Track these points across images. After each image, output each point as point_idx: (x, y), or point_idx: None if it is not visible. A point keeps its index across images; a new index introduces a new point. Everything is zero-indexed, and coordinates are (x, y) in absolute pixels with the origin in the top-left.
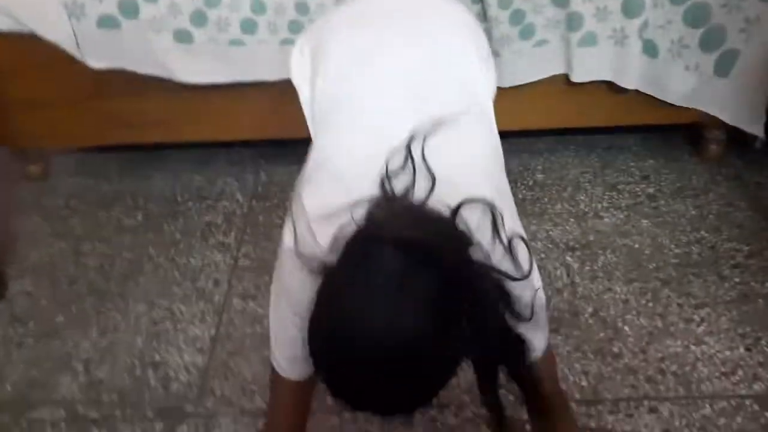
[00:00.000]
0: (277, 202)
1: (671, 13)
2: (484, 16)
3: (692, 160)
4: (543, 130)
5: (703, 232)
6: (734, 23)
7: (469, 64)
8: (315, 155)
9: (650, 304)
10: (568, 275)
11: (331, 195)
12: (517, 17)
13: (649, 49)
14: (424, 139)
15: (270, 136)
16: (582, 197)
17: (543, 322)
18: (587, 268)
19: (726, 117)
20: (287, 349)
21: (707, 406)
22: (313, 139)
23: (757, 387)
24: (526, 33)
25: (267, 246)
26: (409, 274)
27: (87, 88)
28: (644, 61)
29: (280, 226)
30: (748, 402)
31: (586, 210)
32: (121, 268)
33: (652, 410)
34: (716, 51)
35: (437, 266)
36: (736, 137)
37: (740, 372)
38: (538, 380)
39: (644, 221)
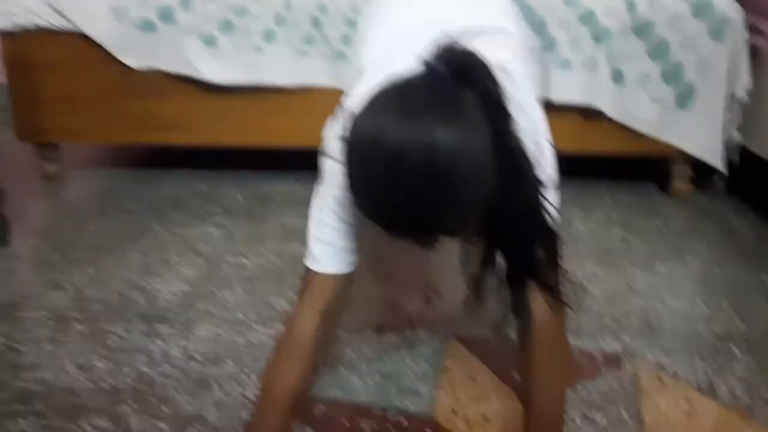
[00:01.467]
0: (279, 201)
1: (635, 44)
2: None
3: (660, 196)
4: None
5: (669, 238)
6: (691, 60)
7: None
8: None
9: (617, 276)
10: None
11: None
12: None
13: (617, 77)
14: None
15: (277, 144)
16: None
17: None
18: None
19: (688, 148)
20: (323, 235)
21: (667, 337)
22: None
23: (716, 327)
24: None
25: (263, 227)
26: (451, 87)
27: (116, 88)
28: (613, 88)
29: (277, 216)
30: (707, 337)
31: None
32: (121, 233)
33: (615, 337)
34: (676, 84)
35: (481, 86)
36: (701, 173)
37: (700, 319)
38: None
39: (615, 230)
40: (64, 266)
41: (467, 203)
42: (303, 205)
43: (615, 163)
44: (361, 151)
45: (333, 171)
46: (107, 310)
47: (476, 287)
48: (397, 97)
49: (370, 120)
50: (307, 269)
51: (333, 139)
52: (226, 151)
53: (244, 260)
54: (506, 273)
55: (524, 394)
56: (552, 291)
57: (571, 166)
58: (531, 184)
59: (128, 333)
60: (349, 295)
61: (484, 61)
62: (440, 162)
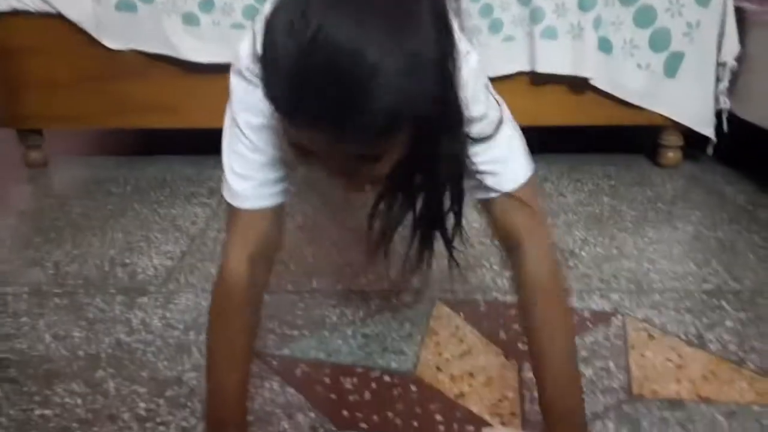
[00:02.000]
0: None
1: (622, 12)
2: (457, 11)
3: (651, 166)
4: None
5: (659, 204)
6: (678, 27)
7: None
8: None
9: (606, 240)
10: None
11: None
12: (486, 11)
13: (604, 45)
14: None
15: None
16: (548, 185)
17: (516, 149)
18: (549, 221)
19: (677, 117)
20: (241, 167)
21: (657, 295)
22: None
23: (707, 285)
24: (495, 27)
25: None
26: None
27: (97, 71)
28: (600, 57)
29: None
30: (697, 295)
31: (551, 192)
32: (103, 214)
33: (603, 296)
34: (664, 52)
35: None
36: (691, 143)
37: (690, 278)
38: (519, 242)
39: (605, 198)
40: (44, 245)
41: (392, 112)
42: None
43: (605, 137)
44: (281, 29)
45: (244, 93)
46: (87, 285)
47: (382, 239)
48: None
49: (297, 1)
50: (230, 206)
51: (246, 56)
52: (211, 134)
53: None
54: (415, 222)
55: (534, 362)
56: (449, 245)
57: (561, 140)
58: (459, 125)
59: (107, 305)
60: (283, 231)
61: None
62: (372, 54)
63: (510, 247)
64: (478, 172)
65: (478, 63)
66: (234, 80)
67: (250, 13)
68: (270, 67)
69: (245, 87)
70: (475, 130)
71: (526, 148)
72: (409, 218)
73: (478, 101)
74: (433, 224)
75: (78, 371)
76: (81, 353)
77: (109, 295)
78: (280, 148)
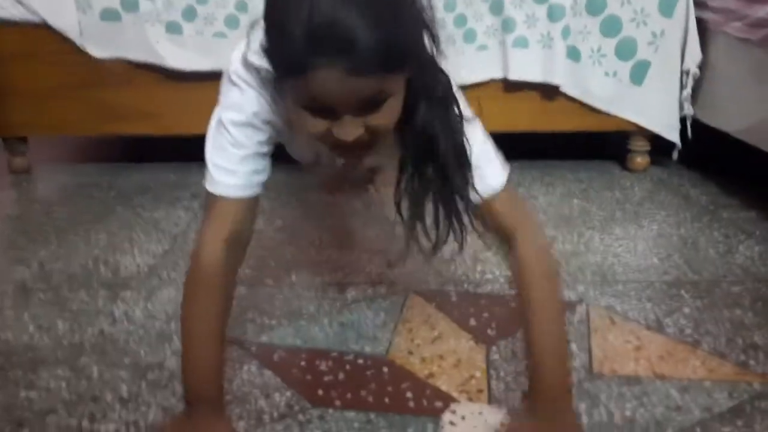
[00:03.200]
0: None
1: (589, 22)
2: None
3: (620, 171)
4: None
5: (627, 205)
6: (643, 36)
7: None
8: None
9: (574, 238)
10: None
11: None
12: (460, 21)
13: (573, 53)
14: None
15: None
16: (520, 189)
17: (491, 152)
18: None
19: (644, 123)
20: (222, 160)
21: (620, 285)
22: None
23: (667, 277)
24: (469, 37)
25: None
26: None
27: (82, 79)
28: (569, 65)
29: None
30: (658, 285)
31: (523, 196)
32: (87, 217)
33: (569, 287)
34: (630, 60)
35: None
36: (659, 149)
37: (652, 270)
38: (511, 234)
39: (575, 201)
40: (28, 246)
41: (394, 44)
42: (271, 189)
43: (576, 144)
44: None
45: (230, 94)
46: (71, 281)
47: (412, 220)
48: None
49: None
50: (208, 194)
51: (236, 61)
52: (195, 141)
53: None
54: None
55: (528, 337)
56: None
57: (533, 148)
58: (451, 102)
59: (91, 299)
60: (254, 222)
61: None
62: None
63: (503, 239)
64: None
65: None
66: (223, 83)
67: (233, 22)
68: (279, 27)
69: (232, 89)
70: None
71: (498, 154)
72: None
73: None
74: (450, 195)
75: (62, 358)
76: (65, 342)
77: (92, 289)
78: (263, 143)
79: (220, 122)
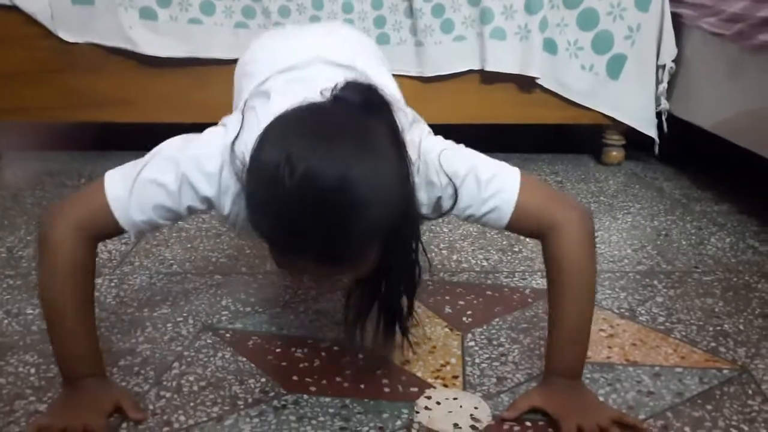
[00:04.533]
0: None
1: (566, 15)
2: (410, 11)
3: (595, 165)
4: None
5: (602, 198)
6: (619, 30)
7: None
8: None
9: None
10: None
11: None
12: (437, 11)
13: (549, 46)
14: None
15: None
16: None
17: (490, 183)
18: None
19: (620, 117)
20: (147, 199)
21: None
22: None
23: (641, 267)
24: (446, 27)
25: None
26: (363, 117)
27: (53, 64)
28: (546, 57)
29: None
30: (631, 275)
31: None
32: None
33: (544, 276)
34: (606, 54)
35: (388, 119)
36: (633, 143)
37: (626, 260)
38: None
39: None
40: None
41: (376, 231)
42: None
43: (553, 138)
44: (271, 172)
45: (211, 164)
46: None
47: (355, 322)
48: (310, 122)
49: (283, 142)
50: (102, 191)
51: (244, 148)
52: (168, 129)
53: (184, 224)
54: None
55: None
56: (404, 330)
57: (510, 141)
58: (417, 226)
59: None
60: None
61: (387, 96)
62: (355, 188)
63: (542, 236)
64: (480, 219)
65: (427, 137)
66: (209, 142)
67: (208, 8)
68: (260, 210)
69: (213, 157)
70: (447, 192)
71: (497, 165)
72: None
73: (443, 170)
74: (393, 311)
75: (31, 344)
76: (35, 328)
77: None
78: (191, 210)
79: (178, 169)
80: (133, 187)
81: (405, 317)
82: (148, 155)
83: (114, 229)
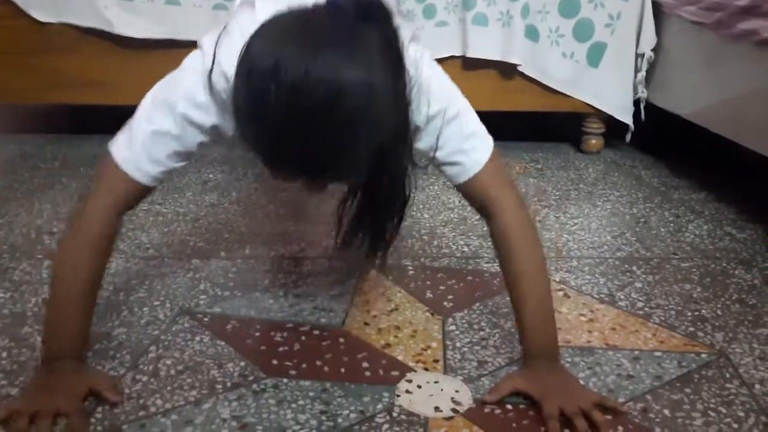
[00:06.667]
0: (200, 158)
1: (548, 2)
2: None
3: (575, 153)
4: None
5: (581, 185)
6: (600, 18)
7: None
8: None
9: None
10: (459, 201)
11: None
12: None
13: (531, 33)
14: None
15: None
16: None
17: (472, 137)
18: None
19: (599, 104)
20: (158, 151)
21: (574, 261)
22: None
23: (620, 253)
24: (428, 12)
25: (182, 180)
26: (356, 24)
27: (25, 44)
28: (527, 44)
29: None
30: (611, 261)
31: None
32: (30, 188)
33: None
34: (587, 42)
35: (385, 27)
36: (613, 132)
37: (605, 247)
38: (487, 201)
39: (531, 180)
40: None
41: (366, 146)
42: (224, 162)
43: (533, 126)
44: (258, 82)
45: (200, 94)
46: (12, 251)
47: (346, 234)
48: (299, 29)
49: (269, 50)
50: (115, 165)
51: (225, 59)
52: None
53: (161, 208)
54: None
55: (516, 305)
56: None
57: (490, 129)
58: (410, 147)
59: (34, 269)
60: None
61: (386, 3)
62: (345, 101)
63: (486, 214)
64: (441, 164)
65: (429, 61)
66: (191, 66)
67: None
68: (253, 122)
69: (199, 85)
70: (434, 125)
71: (480, 125)
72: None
73: (435, 100)
74: (380, 226)
75: (3, 328)
76: (6, 312)
77: (36, 260)
78: (201, 145)
79: (172, 109)
80: (139, 145)
81: (391, 233)
82: (140, 109)
83: (139, 191)
